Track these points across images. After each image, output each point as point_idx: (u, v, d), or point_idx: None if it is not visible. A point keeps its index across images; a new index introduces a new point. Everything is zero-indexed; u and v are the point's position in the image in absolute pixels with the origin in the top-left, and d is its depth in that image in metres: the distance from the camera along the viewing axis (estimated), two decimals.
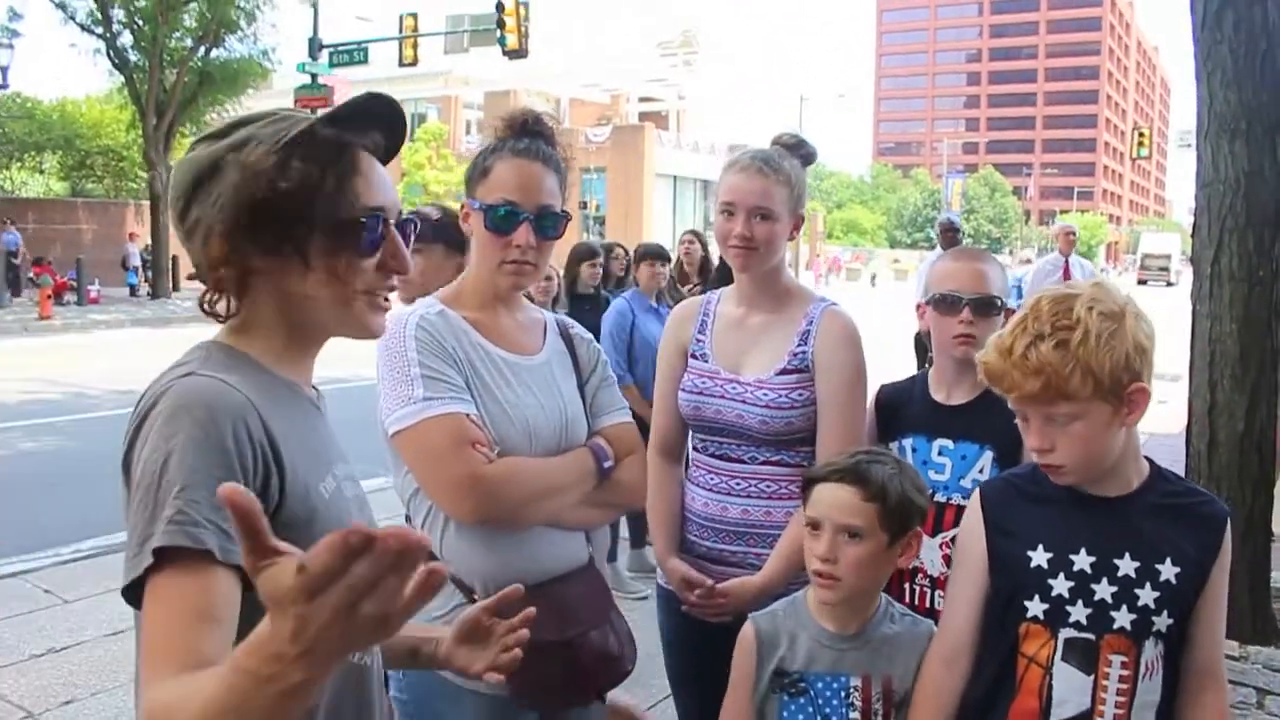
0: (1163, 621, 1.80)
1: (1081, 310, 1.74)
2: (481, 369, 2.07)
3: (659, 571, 2.68)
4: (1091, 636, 1.80)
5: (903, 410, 2.55)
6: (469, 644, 1.69)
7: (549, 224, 2.12)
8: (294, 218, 1.34)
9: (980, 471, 2.35)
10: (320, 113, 1.41)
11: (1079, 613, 1.80)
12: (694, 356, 2.63)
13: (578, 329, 2.36)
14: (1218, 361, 5.03)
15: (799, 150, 2.59)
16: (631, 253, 6.85)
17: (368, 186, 1.40)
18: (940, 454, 2.42)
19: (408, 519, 2.13)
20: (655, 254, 6.20)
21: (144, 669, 1.12)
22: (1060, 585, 1.82)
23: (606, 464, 2.13)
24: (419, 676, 2.06)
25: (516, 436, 2.04)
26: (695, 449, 2.66)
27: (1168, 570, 1.80)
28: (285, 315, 1.40)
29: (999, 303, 2.43)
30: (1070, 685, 1.80)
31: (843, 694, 1.98)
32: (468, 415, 1.97)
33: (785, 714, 2.01)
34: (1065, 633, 1.81)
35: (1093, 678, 1.79)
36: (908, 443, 2.48)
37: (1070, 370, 1.72)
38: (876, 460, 2.03)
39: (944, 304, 2.46)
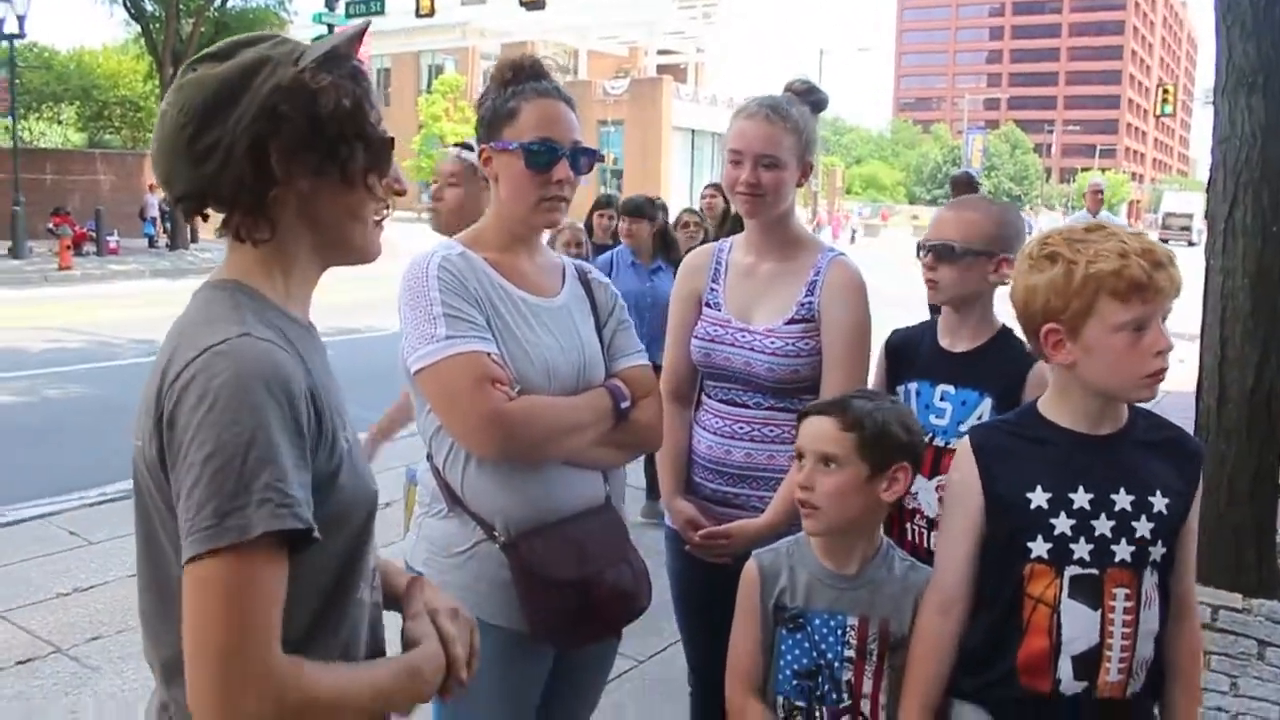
0: (1157, 551, 1.86)
1: None
2: (502, 309, 2.11)
3: (666, 513, 2.74)
4: (1095, 571, 1.84)
5: (911, 355, 2.58)
6: None
7: (583, 159, 2.18)
8: (345, 134, 1.36)
9: (979, 418, 2.38)
10: (334, 36, 1.41)
11: (1081, 549, 1.85)
12: (707, 305, 2.67)
13: (595, 273, 2.40)
14: (1229, 316, 5.04)
15: (809, 97, 2.60)
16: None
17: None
18: (942, 399, 2.46)
19: (429, 457, 2.17)
20: (630, 210, 6.10)
21: (242, 638, 1.16)
22: (1062, 524, 1.86)
23: (624, 404, 2.17)
24: None
25: (536, 376, 2.08)
26: (705, 394, 2.71)
27: (1159, 501, 1.86)
28: (306, 241, 1.41)
29: (954, 249, 2.43)
30: (1079, 622, 1.84)
31: (839, 632, 2.03)
32: (489, 354, 2.01)
33: (784, 647, 2.07)
34: (1070, 570, 1.85)
35: (1100, 612, 1.84)
36: (913, 387, 2.52)
37: None
38: (863, 396, 2.09)
39: (918, 251, 2.54)
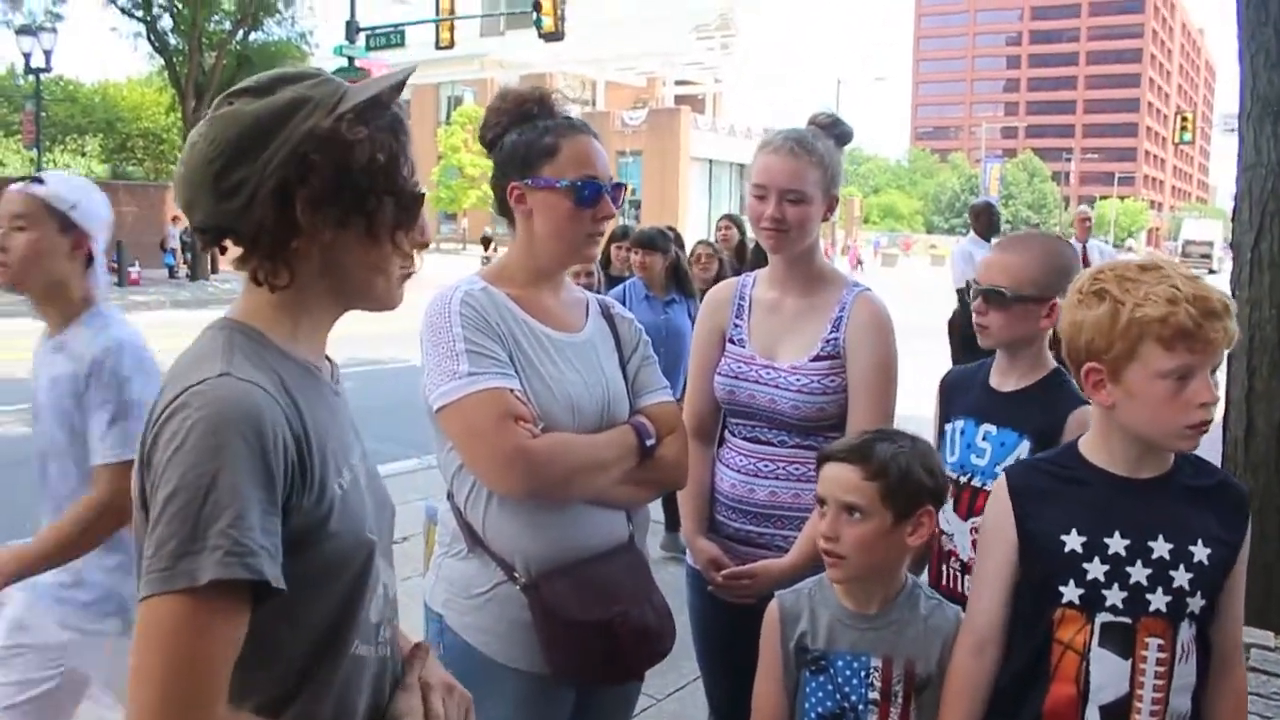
0: (1196, 603, 1.80)
1: None
2: (525, 345, 2.09)
3: (688, 552, 2.70)
4: (1128, 620, 1.79)
5: (963, 393, 2.53)
6: None
7: (618, 194, 2.20)
8: (376, 188, 1.33)
9: (1016, 460, 2.33)
10: (377, 81, 1.38)
11: (1115, 596, 1.79)
12: (732, 341, 2.64)
13: (619, 309, 2.39)
14: (1257, 347, 4.95)
15: (834, 130, 2.58)
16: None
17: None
18: (984, 439, 2.39)
19: (450, 496, 2.15)
20: (642, 243, 5.98)
21: (181, 684, 1.12)
22: (1095, 569, 1.80)
23: (649, 441, 2.13)
24: (458, 653, 2.08)
25: (559, 412, 2.05)
26: (729, 431, 2.68)
27: (1200, 551, 1.80)
28: (325, 287, 1.37)
29: (1005, 295, 2.35)
30: (1108, 671, 1.79)
31: (863, 674, 1.99)
32: (511, 390, 1.98)
33: (807, 690, 2.03)
34: (1102, 617, 1.80)
35: (1130, 662, 1.78)
36: (958, 424, 2.46)
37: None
38: (884, 439, 2.03)
39: (967, 291, 2.46)
